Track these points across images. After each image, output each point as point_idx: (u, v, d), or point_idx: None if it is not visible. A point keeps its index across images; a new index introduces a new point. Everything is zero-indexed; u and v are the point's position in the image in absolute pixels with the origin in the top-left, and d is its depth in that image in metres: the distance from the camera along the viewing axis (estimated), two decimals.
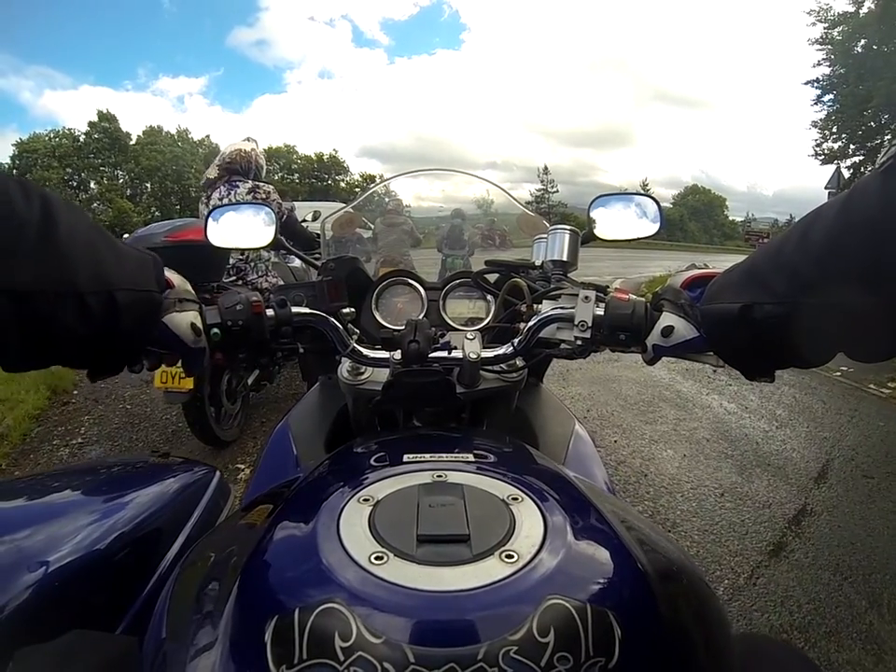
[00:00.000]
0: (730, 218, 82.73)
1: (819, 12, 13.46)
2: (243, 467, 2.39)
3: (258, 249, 1.73)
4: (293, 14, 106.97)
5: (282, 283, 2.53)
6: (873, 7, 12.01)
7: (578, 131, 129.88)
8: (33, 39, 75.96)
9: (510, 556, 0.32)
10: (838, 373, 4.44)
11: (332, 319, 0.63)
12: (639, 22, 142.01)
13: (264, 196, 2.56)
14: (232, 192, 2.57)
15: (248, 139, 2.72)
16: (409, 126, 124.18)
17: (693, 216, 74.26)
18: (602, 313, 0.57)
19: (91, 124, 36.79)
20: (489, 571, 0.31)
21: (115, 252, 0.46)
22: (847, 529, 2.14)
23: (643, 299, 0.58)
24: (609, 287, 0.62)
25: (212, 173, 2.64)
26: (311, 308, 0.63)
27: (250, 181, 2.61)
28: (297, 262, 3.28)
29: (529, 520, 0.36)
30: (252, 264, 2.61)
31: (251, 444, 2.64)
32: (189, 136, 41.26)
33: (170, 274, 0.53)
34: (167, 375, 2.11)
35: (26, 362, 0.42)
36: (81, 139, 36.26)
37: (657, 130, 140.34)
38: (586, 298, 0.58)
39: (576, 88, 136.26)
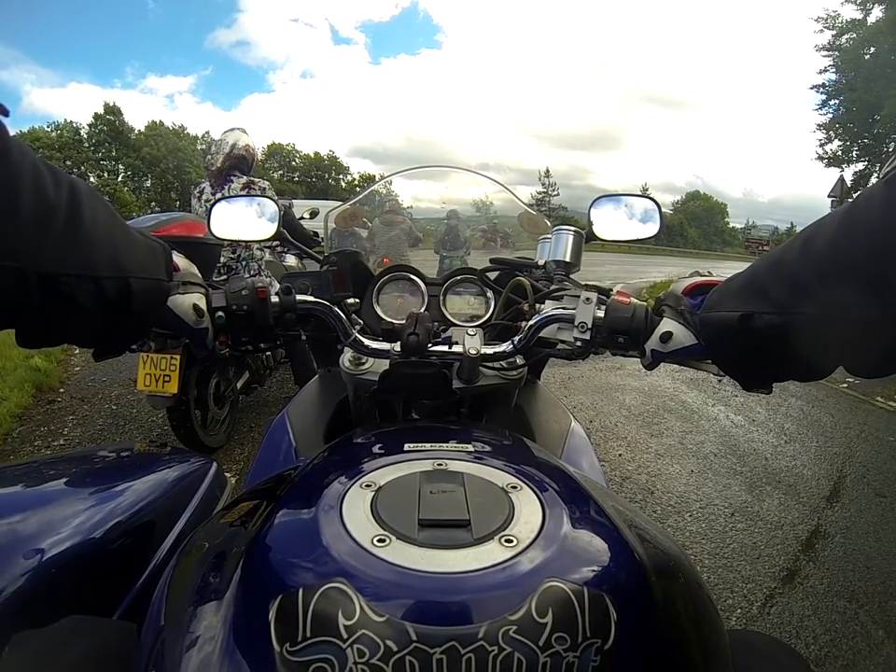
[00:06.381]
0: (730, 225, 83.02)
1: (826, 19, 13.46)
2: (229, 475, 2.26)
3: (260, 242, 1.71)
4: (271, 16, 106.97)
5: (276, 282, 2.44)
6: (882, 14, 11.99)
7: (568, 133, 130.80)
8: (22, 37, 76.12)
9: (509, 541, 0.33)
10: (844, 385, 4.39)
11: (336, 308, 0.64)
12: (627, 23, 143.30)
13: (259, 193, 2.45)
14: (226, 187, 2.47)
15: (243, 130, 2.60)
16: (399, 127, 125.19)
17: (693, 222, 74.43)
18: (602, 315, 0.58)
19: (96, 116, 36.74)
20: (489, 554, 0.32)
21: (129, 239, 0.48)
22: (861, 552, 2.07)
23: (644, 303, 0.58)
24: (611, 290, 0.62)
25: (218, 161, 2.50)
26: (315, 297, 0.64)
27: (245, 177, 2.51)
28: (292, 261, 3.20)
29: (528, 507, 0.37)
30: (244, 263, 2.51)
31: (238, 451, 2.53)
32: (186, 132, 41.21)
33: (177, 258, 0.56)
34: (150, 378, 2.01)
35: (41, 339, 0.45)
36: (83, 132, 36.20)
37: (648, 133, 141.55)
38: (587, 299, 0.58)
39: (564, 90, 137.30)
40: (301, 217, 3.24)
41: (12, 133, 0.39)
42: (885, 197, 0.38)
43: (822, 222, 0.43)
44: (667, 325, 0.54)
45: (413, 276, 0.91)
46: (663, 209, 0.83)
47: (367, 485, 0.39)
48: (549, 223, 1.00)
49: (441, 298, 0.89)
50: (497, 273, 0.89)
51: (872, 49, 12.70)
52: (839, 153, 14.31)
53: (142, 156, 36.75)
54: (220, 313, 0.57)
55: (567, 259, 0.78)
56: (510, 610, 0.28)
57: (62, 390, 3.29)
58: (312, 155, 51.92)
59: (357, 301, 0.74)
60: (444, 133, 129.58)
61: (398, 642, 0.27)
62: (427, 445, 0.47)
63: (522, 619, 0.28)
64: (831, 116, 14.51)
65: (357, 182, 51.91)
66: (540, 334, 0.62)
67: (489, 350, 0.64)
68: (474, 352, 0.62)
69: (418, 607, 0.29)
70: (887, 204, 0.37)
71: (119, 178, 37.62)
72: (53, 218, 0.40)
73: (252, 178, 2.53)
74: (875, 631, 1.64)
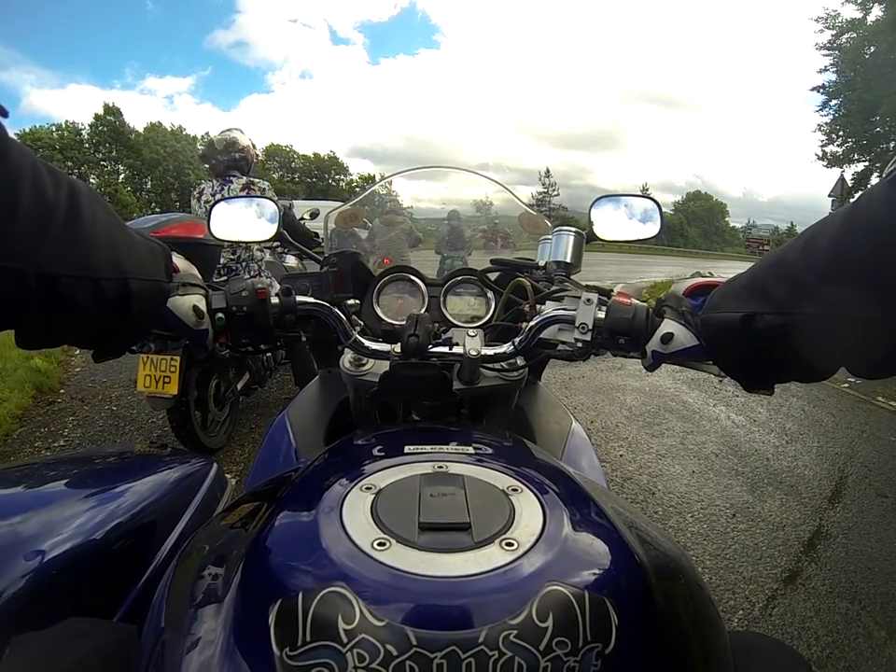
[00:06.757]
0: (730, 225, 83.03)
1: (826, 19, 13.47)
2: (229, 476, 2.26)
3: (260, 243, 1.72)
4: (269, 16, 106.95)
5: (276, 283, 2.43)
6: (881, 14, 12.01)
7: (567, 133, 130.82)
8: (21, 37, 76.15)
9: (510, 544, 0.33)
10: (846, 385, 4.38)
11: (336, 310, 0.63)
12: (626, 23, 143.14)
13: (259, 193, 2.45)
14: (226, 188, 2.47)
15: (241, 131, 2.60)
16: (398, 127, 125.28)
17: (694, 221, 74.43)
18: (603, 316, 0.57)
19: (96, 117, 36.80)
20: (490, 558, 0.32)
21: (129, 240, 0.48)
22: (863, 553, 2.07)
23: (645, 304, 0.58)
24: (612, 290, 0.62)
25: (222, 158, 2.49)
26: (315, 298, 0.63)
27: (245, 177, 2.52)
28: (292, 262, 3.20)
29: (529, 510, 0.37)
30: (244, 264, 2.51)
31: (238, 452, 2.53)
32: (185, 133, 41.26)
33: (176, 260, 0.55)
34: (151, 379, 2.00)
35: (41, 341, 0.44)
36: (84, 133, 36.24)
37: (648, 133, 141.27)
38: (588, 300, 0.58)
39: (563, 89, 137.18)
40: (302, 218, 3.24)
41: (11, 133, 0.39)
42: (887, 197, 0.37)
43: (824, 222, 0.43)
44: (668, 326, 0.54)
45: (413, 277, 0.91)
46: (663, 209, 0.83)
47: (367, 488, 0.39)
48: (549, 223, 1.00)
49: (442, 298, 0.89)
50: (497, 273, 0.89)
51: (872, 48, 12.72)
52: (840, 154, 14.34)
53: (142, 157, 36.77)
54: (220, 314, 0.57)
55: (568, 260, 0.77)
56: (510, 615, 0.28)
57: (62, 391, 3.29)
58: (311, 156, 51.99)
59: (358, 301, 0.74)
60: (443, 133, 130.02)
61: (398, 647, 0.27)
62: (428, 447, 0.46)
63: (522, 623, 0.28)
64: (831, 117, 14.56)
65: (356, 183, 51.95)
66: (541, 335, 0.62)
67: (489, 351, 0.64)
68: (475, 353, 0.62)
69: (418, 611, 0.28)
70: (889, 204, 0.37)
71: (121, 179, 37.66)
72: (53, 219, 0.40)
73: (252, 179, 2.53)
74: (877, 632, 1.63)
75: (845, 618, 1.68)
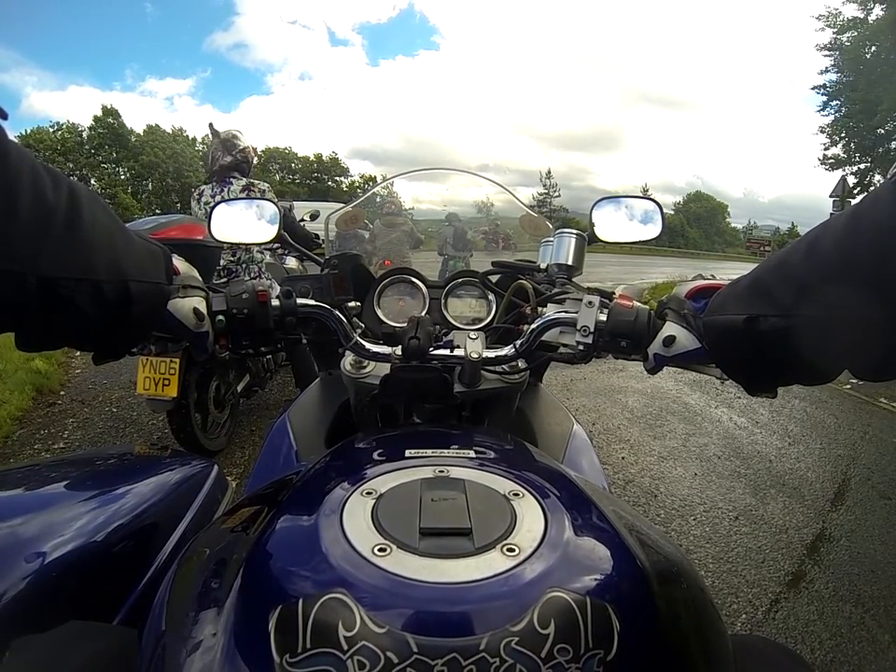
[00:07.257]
0: (731, 225, 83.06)
1: (828, 17, 13.46)
2: (230, 479, 2.26)
3: (261, 245, 1.73)
4: (268, 18, 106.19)
5: (276, 285, 2.43)
6: (882, 13, 12.01)
7: (567, 134, 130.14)
8: (22, 39, 76.12)
9: (511, 550, 0.33)
10: (848, 386, 4.36)
11: (337, 312, 0.63)
12: (625, 23, 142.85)
13: (259, 195, 2.45)
14: (226, 189, 2.47)
15: (239, 132, 2.59)
16: (397, 128, 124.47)
17: (694, 222, 74.45)
18: (605, 319, 0.57)
19: (95, 119, 36.88)
20: (491, 564, 0.31)
21: (129, 242, 0.48)
22: (867, 556, 2.05)
23: (647, 307, 0.58)
24: (613, 293, 0.62)
25: (225, 159, 2.49)
26: (316, 300, 0.63)
27: (244, 179, 2.52)
28: (292, 263, 3.20)
29: (530, 515, 0.37)
30: (244, 266, 2.51)
31: (239, 454, 2.52)
32: (185, 135, 41.35)
33: (177, 262, 0.55)
34: (150, 382, 2.00)
35: (41, 343, 0.44)
36: (84, 134, 36.32)
37: (648, 133, 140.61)
38: (590, 303, 0.58)
39: (562, 90, 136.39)
40: (302, 220, 3.24)
41: (13, 135, 0.39)
42: (891, 199, 0.37)
43: (828, 224, 0.43)
44: (670, 328, 0.54)
45: (413, 279, 0.90)
46: (664, 210, 0.83)
47: (367, 493, 0.38)
48: (550, 225, 1.00)
49: (443, 301, 0.89)
50: (498, 275, 0.89)
51: (873, 48, 12.72)
52: (841, 156, 14.33)
53: (140, 161, 36.82)
54: (220, 316, 0.57)
55: (569, 263, 0.78)
56: (511, 621, 0.28)
57: (62, 393, 3.29)
58: (311, 157, 52.11)
59: (359, 304, 0.74)
60: (443, 134, 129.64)
61: (398, 654, 0.27)
62: (429, 451, 0.46)
63: (524, 630, 0.28)
64: (833, 118, 14.56)
65: (358, 184, 52.07)
66: (542, 338, 0.62)
67: (491, 354, 0.64)
68: (476, 356, 0.62)
69: (419, 617, 0.28)
70: (893, 206, 0.37)
71: (123, 178, 37.70)
72: (52, 221, 0.40)
73: (252, 180, 2.53)
74: (881, 636, 1.62)
75: (848, 621, 1.67)
